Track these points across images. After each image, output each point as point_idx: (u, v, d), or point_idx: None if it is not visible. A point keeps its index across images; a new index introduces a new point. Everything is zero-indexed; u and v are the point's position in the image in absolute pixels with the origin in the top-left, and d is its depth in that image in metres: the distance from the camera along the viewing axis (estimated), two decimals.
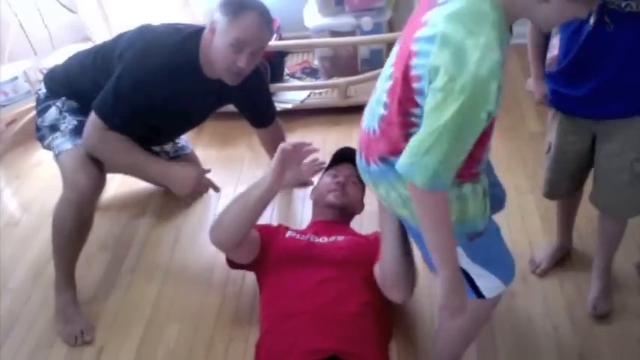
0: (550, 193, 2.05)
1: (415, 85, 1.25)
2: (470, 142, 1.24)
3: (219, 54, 1.98)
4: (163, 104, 2.06)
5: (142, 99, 2.02)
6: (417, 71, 1.23)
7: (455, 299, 1.45)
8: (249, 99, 2.33)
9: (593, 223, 2.10)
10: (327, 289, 1.82)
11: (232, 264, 2.08)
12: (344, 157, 2.28)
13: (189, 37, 2.05)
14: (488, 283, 1.54)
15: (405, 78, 1.26)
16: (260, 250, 2.01)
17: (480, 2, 1.20)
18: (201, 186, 2.15)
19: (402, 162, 1.26)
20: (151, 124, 2.14)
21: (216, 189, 2.24)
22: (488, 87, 1.18)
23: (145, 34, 2.14)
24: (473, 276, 1.54)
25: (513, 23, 1.28)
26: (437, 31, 1.19)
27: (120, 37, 2.19)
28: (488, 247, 1.55)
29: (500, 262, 1.58)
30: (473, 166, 1.38)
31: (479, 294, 1.55)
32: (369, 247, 1.99)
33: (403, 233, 1.72)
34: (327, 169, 2.33)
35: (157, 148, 2.51)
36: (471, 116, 1.20)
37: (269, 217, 2.49)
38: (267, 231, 2.07)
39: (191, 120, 2.40)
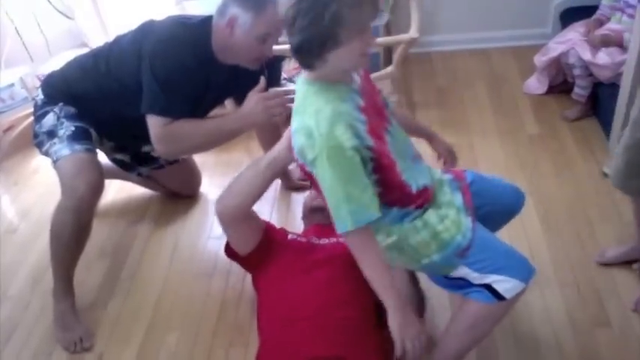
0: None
1: (305, 169, 1.56)
2: (360, 178, 1.48)
3: (245, 47, 2.02)
4: (194, 88, 2.08)
5: (181, 83, 2.03)
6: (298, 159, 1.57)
7: (408, 329, 1.55)
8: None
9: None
10: (328, 293, 1.81)
11: (230, 252, 2.03)
12: None
13: (198, 26, 2.07)
14: (506, 284, 1.58)
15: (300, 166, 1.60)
16: (261, 248, 1.98)
17: (305, 87, 1.54)
18: (270, 102, 2.08)
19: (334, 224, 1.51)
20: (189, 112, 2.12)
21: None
22: (334, 133, 1.44)
23: (153, 27, 2.14)
24: (490, 283, 1.59)
25: (345, 73, 1.54)
26: (292, 129, 1.56)
27: (121, 40, 2.19)
28: (486, 254, 1.61)
29: (509, 262, 1.63)
30: (402, 192, 1.59)
31: (499, 297, 1.59)
32: None
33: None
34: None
35: (155, 153, 2.50)
36: (341, 161, 1.45)
37: (267, 219, 2.47)
38: (272, 228, 2.06)
39: (201, 110, 2.39)
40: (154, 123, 2.05)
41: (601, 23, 2.84)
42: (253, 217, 1.98)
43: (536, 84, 3.14)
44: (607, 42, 2.70)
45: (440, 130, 2.94)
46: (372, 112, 1.57)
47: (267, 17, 1.97)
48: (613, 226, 2.29)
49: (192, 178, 2.68)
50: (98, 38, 3.28)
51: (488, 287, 1.60)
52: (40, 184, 2.96)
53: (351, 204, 1.47)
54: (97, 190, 2.11)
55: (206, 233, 2.52)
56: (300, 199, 2.62)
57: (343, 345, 1.68)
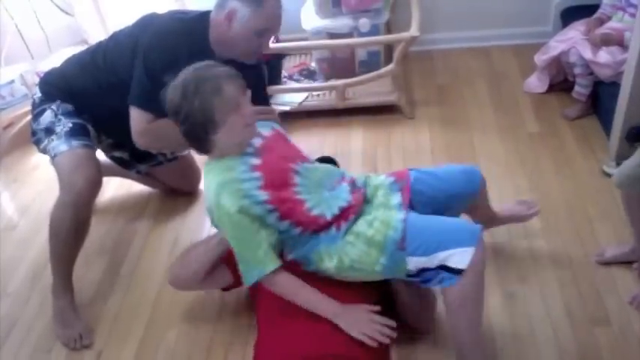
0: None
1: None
2: (251, 237, 1.68)
3: (242, 41, 2.03)
4: None
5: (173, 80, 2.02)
6: None
7: (357, 324, 1.69)
8: (249, 86, 2.33)
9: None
10: (326, 290, 1.81)
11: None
12: None
13: (196, 21, 2.08)
14: (455, 257, 1.62)
15: None
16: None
17: (205, 168, 1.79)
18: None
19: None
20: None
21: None
22: (220, 203, 1.66)
23: (152, 20, 2.14)
24: (441, 263, 1.64)
25: (240, 146, 1.74)
26: None
27: (119, 34, 2.19)
28: (423, 236, 1.68)
29: (449, 235, 1.67)
30: (317, 223, 1.74)
31: (456, 271, 1.62)
32: None
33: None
34: None
35: (153, 150, 2.51)
36: (232, 226, 1.69)
37: None
38: None
39: None
40: (136, 116, 2.08)
41: (602, 22, 2.84)
42: (212, 273, 2.01)
43: (536, 82, 3.13)
44: (608, 41, 2.70)
45: (440, 127, 2.97)
46: (271, 166, 1.75)
47: (266, 12, 1.98)
48: (613, 224, 2.29)
49: (191, 175, 2.68)
50: (98, 35, 3.28)
51: (444, 267, 1.64)
52: (40, 180, 2.95)
53: (247, 264, 1.72)
54: (95, 185, 2.11)
55: (205, 230, 2.52)
56: None
57: (341, 343, 1.68)
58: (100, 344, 2.10)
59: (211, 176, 1.73)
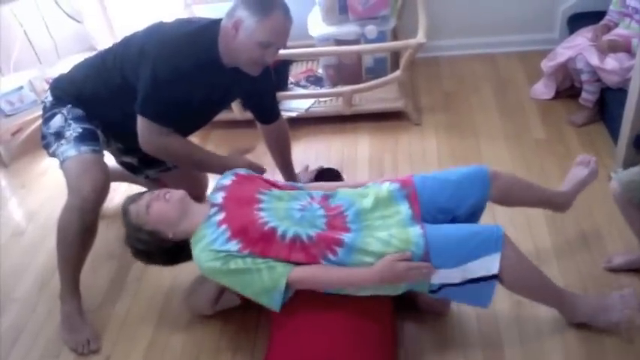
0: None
1: None
2: (248, 274, 1.73)
3: (246, 50, 2.02)
4: (193, 94, 2.10)
5: (180, 89, 2.05)
6: None
7: (390, 273, 1.69)
8: (258, 92, 2.35)
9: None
10: (338, 300, 1.81)
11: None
12: (324, 180, 2.40)
13: (205, 29, 2.08)
14: (486, 264, 1.67)
15: None
16: None
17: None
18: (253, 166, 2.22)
19: None
20: (182, 117, 2.16)
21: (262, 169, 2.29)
22: (204, 266, 1.78)
23: (161, 28, 2.16)
24: (469, 277, 1.68)
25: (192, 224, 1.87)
26: None
27: (130, 38, 2.20)
28: (449, 249, 1.70)
29: (473, 244, 1.69)
30: (295, 247, 1.75)
31: (493, 277, 1.69)
32: None
33: None
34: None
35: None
36: (225, 276, 1.76)
37: None
38: None
39: (208, 112, 2.40)
40: (142, 124, 2.11)
41: (609, 29, 2.84)
42: (222, 297, 2.08)
43: (543, 89, 3.13)
44: (615, 47, 2.70)
45: (446, 133, 2.97)
46: (233, 212, 1.82)
47: (271, 24, 1.98)
48: (619, 230, 2.28)
49: (199, 180, 2.68)
50: (106, 41, 3.29)
51: (478, 279, 1.69)
52: (48, 186, 2.97)
53: (263, 295, 1.74)
54: (102, 190, 2.12)
55: None
56: None
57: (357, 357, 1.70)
58: (108, 349, 2.10)
59: (194, 252, 1.83)
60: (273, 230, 1.76)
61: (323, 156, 2.89)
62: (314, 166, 2.74)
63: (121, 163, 2.54)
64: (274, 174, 2.79)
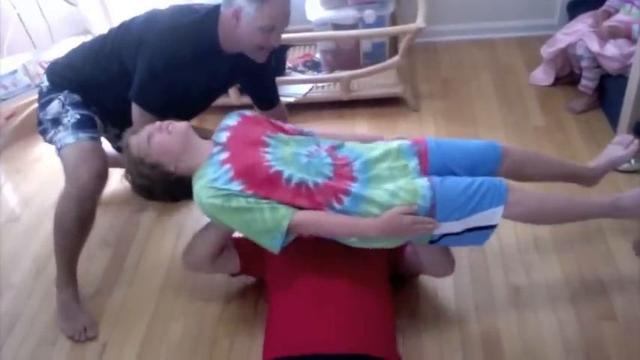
0: None
1: None
2: (250, 211, 1.70)
3: (249, 37, 2.00)
4: (192, 83, 2.08)
5: (177, 79, 2.03)
6: None
7: (391, 226, 1.68)
8: (258, 78, 2.33)
9: None
10: (337, 276, 1.82)
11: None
12: None
13: (204, 17, 2.06)
14: (489, 216, 1.70)
15: None
16: (250, 260, 2.03)
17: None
18: None
19: None
20: (179, 105, 2.13)
21: None
22: (204, 202, 1.74)
23: (160, 15, 2.13)
24: (470, 226, 1.71)
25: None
26: None
27: (128, 24, 2.17)
28: (452, 202, 1.70)
29: (478, 198, 1.70)
30: (300, 192, 1.72)
31: (491, 227, 1.72)
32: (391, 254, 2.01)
33: None
34: None
35: None
36: (227, 213, 1.72)
37: None
38: (248, 243, 2.08)
39: (207, 99, 2.39)
40: (137, 112, 2.10)
41: (609, 14, 2.82)
42: (222, 256, 2.02)
43: (542, 75, 3.11)
44: (615, 33, 2.68)
45: (445, 120, 2.96)
46: (238, 153, 1.79)
47: (270, 9, 1.95)
48: (621, 222, 2.26)
49: None
50: (101, 25, 3.26)
51: (480, 229, 1.72)
52: (43, 172, 2.94)
53: (264, 236, 1.72)
54: (101, 178, 2.10)
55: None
56: None
57: (357, 339, 1.68)
58: (105, 337, 2.09)
59: (194, 188, 1.79)
60: (279, 174, 1.73)
61: None
62: None
63: (118, 148, 2.50)
64: None
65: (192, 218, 2.56)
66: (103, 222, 2.51)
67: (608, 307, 1.99)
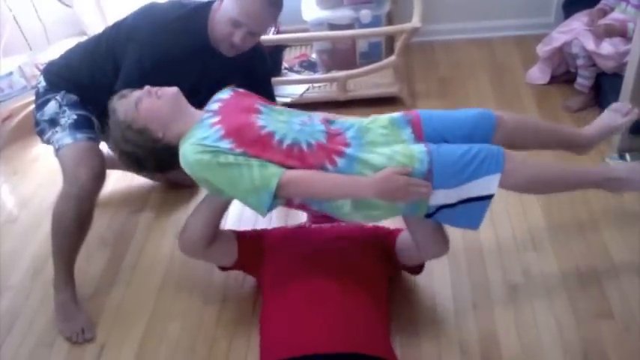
0: None
1: None
2: (237, 169, 1.64)
3: (219, 25, 2.02)
4: (181, 81, 2.04)
5: (165, 77, 1.99)
6: None
7: (387, 185, 1.62)
8: (253, 78, 2.32)
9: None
10: (335, 280, 1.82)
11: (221, 267, 2.11)
12: None
13: (196, 10, 2.07)
14: (486, 184, 1.66)
15: None
16: (247, 253, 2.02)
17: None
18: None
19: None
20: None
21: None
22: (190, 160, 1.68)
23: (151, 11, 2.13)
24: (465, 197, 1.66)
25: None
26: None
27: (121, 22, 2.17)
28: (449, 167, 1.66)
29: (475, 164, 1.66)
30: (292, 154, 1.68)
31: (488, 197, 1.67)
32: (384, 244, 2.02)
33: None
34: None
35: None
36: (213, 171, 1.66)
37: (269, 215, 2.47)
38: (248, 234, 2.09)
39: (200, 99, 2.38)
40: None
41: (605, 13, 2.82)
42: (218, 240, 1.98)
43: (538, 74, 3.12)
44: (611, 32, 2.68)
45: None
46: (230, 117, 1.75)
47: (244, 3, 1.96)
48: (616, 217, 2.29)
49: None
50: (96, 26, 3.25)
51: (476, 199, 1.67)
52: (40, 173, 2.94)
53: (251, 194, 1.65)
54: (99, 178, 2.09)
55: None
56: None
57: (351, 340, 1.67)
58: (103, 338, 2.09)
59: (181, 149, 1.74)
60: (270, 135, 1.70)
61: None
62: None
63: None
64: None
65: None
66: (101, 222, 2.51)
67: (605, 305, 1.99)
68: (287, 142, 1.69)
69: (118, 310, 2.19)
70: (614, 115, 2.04)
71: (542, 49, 3.01)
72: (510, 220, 2.29)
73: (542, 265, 2.15)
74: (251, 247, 2.02)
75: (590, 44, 2.71)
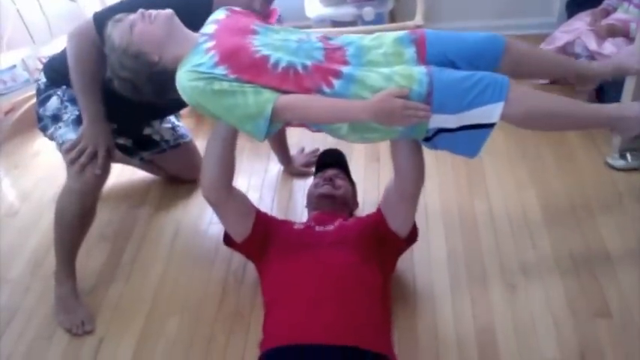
0: None
1: None
2: (232, 95, 1.63)
3: None
4: None
5: None
6: None
7: (382, 104, 1.57)
8: None
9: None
10: (336, 277, 1.82)
11: (228, 240, 2.07)
12: (327, 162, 2.38)
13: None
14: (487, 113, 1.62)
15: None
16: (258, 234, 2.00)
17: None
18: None
19: None
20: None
21: None
22: (186, 86, 1.68)
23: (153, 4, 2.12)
24: (471, 122, 1.63)
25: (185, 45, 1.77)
26: None
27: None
28: (450, 91, 1.61)
29: (478, 90, 1.62)
30: (288, 76, 1.65)
31: (489, 125, 1.64)
32: (376, 220, 2.00)
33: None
34: (314, 174, 2.41)
35: (156, 137, 2.50)
36: (208, 97, 1.65)
37: (269, 210, 2.48)
38: (266, 215, 2.09)
39: None
40: (85, 26, 2.06)
41: (607, 13, 2.82)
42: (240, 197, 2.00)
43: None
44: (613, 32, 2.68)
45: None
46: (224, 40, 1.72)
47: None
48: (615, 217, 2.28)
49: (194, 163, 2.66)
50: None
51: (477, 126, 1.64)
52: (41, 167, 2.95)
53: (247, 120, 1.65)
54: (103, 173, 2.10)
55: (207, 218, 2.52)
56: (302, 186, 2.61)
57: (351, 334, 1.68)
58: (102, 331, 2.10)
59: (177, 75, 1.72)
60: (265, 59, 1.67)
61: (319, 138, 2.87)
62: (310, 148, 2.74)
63: (115, 144, 2.51)
64: (269, 157, 2.79)
65: (189, 214, 2.58)
66: (101, 217, 2.50)
67: (603, 304, 1.99)
68: (282, 65, 1.66)
69: (117, 304, 2.20)
70: (631, 57, 2.00)
71: (544, 48, 3.00)
72: (509, 219, 2.29)
73: (540, 264, 2.15)
74: (264, 230, 2.01)
75: (592, 44, 2.71)
